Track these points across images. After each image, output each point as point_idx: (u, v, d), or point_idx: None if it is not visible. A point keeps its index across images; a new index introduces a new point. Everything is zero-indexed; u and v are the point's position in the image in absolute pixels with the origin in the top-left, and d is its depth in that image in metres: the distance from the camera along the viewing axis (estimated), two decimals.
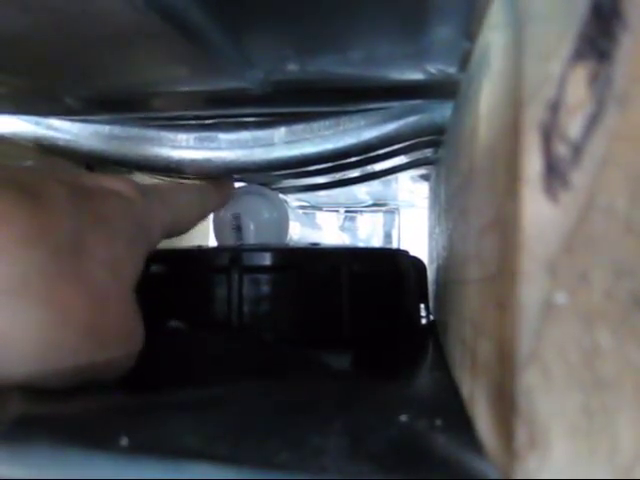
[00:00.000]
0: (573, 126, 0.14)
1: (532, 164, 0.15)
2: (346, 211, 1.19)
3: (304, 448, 0.21)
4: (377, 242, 1.25)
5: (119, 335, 0.29)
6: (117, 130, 0.44)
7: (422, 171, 0.65)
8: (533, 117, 0.15)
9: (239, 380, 0.30)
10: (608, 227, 0.14)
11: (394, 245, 1.25)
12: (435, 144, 0.45)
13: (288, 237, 0.51)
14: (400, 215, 1.24)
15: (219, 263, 0.38)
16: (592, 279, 0.14)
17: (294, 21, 0.27)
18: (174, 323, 0.36)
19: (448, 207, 0.35)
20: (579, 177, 0.14)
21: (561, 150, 0.14)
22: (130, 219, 0.30)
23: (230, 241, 0.48)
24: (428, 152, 0.49)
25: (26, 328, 0.24)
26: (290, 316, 0.37)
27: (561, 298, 0.14)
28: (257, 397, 0.27)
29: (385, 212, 1.24)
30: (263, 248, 0.40)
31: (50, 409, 0.25)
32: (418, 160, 0.54)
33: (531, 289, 0.15)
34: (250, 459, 0.19)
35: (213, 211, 0.47)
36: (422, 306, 0.46)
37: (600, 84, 0.14)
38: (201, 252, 0.41)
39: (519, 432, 0.15)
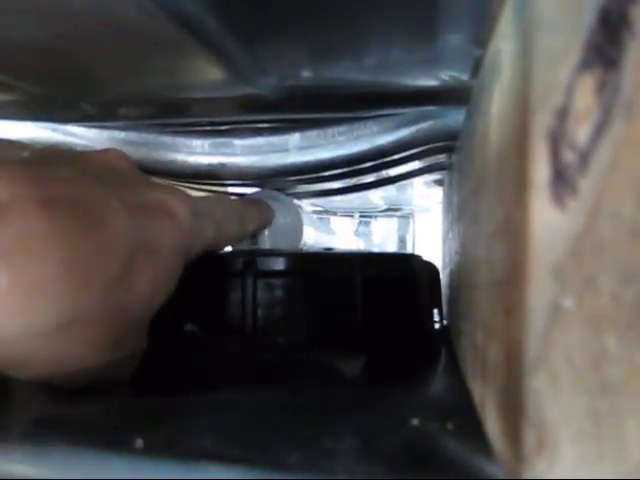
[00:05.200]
0: (580, 133, 0.15)
1: (540, 171, 0.15)
2: (360, 216, 1.20)
3: (315, 449, 0.21)
4: (391, 247, 1.25)
5: (133, 344, 0.29)
6: (133, 136, 0.44)
7: (436, 176, 0.65)
8: (541, 124, 0.15)
9: (252, 383, 0.31)
10: (614, 233, 0.15)
11: (408, 250, 1.25)
12: (449, 150, 0.45)
13: (302, 242, 0.52)
14: (415, 220, 1.24)
15: (234, 268, 0.38)
16: (599, 284, 0.15)
17: (308, 29, 0.27)
18: (189, 327, 0.37)
19: (460, 212, 0.35)
20: (586, 184, 0.15)
21: (569, 157, 0.15)
22: (177, 242, 0.29)
23: (245, 246, 0.49)
24: (442, 157, 0.49)
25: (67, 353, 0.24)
26: (304, 320, 0.38)
27: (568, 302, 0.15)
28: (270, 400, 0.27)
29: (399, 217, 1.24)
30: (277, 253, 0.41)
31: (66, 410, 0.25)
32: (432, 165, 0.55)
33: (539, 294, 0.15)
34: (261, 460, 0.20)
35: (251, 234, 0.46)
36: (435, 311, 0.46)
37: (607, 92, 0.15)
38: (216, 256, 0.41)
39: (527, 436, 0.15)
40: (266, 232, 0.48)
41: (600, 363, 0.15)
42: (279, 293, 0.37)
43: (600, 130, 0.15)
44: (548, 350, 0.15)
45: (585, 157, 0.15)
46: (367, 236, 1.26)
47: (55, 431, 0.21)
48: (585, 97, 0.15)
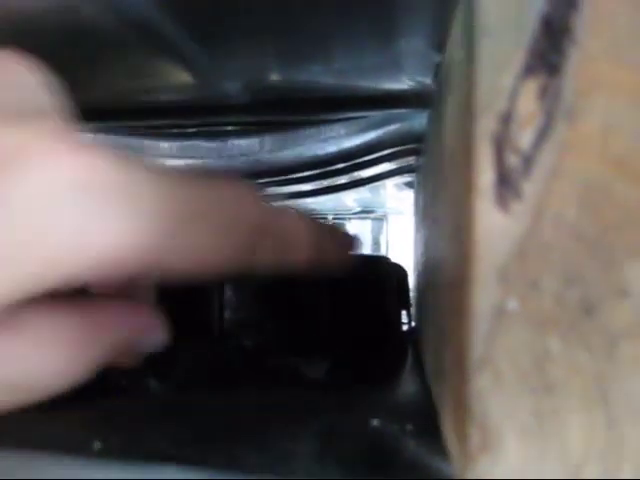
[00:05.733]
0: (524, 137, 0.15)
1: (485, 174, 0.15)
2: (334, 218, 1.20)
3: (274, 452, 0.21)
4: (365, 249, 1.25)
5: None
6: (100, 138, 0.44)
7: (407, 179, 0.65)
8: (485, 128, 0.15)
9: (216, 385, 0.31)
10: (558, 235, 0.15)
11: (382, 252, 1.26)
12: (417, 152, 0.45)
13: None
14: (388, 222, 1.24)
15: None
16: (543, 286, 0.15)
17: (271, 33, 0.27)
18: None
19: (425, 214, 0.35)
20: (530, 187, 0.15)
21: (512, 161, 0.15)
22: None
23: None
24: (411, 160, 0.50)
25: None
26: (270, 323, 0.38)
27: (512, 304, 0.15)
28: (232, 402, 0.27)
29: (373, 219, 1.25)
30: None
31: (21, 416, 0.25)
32: (402, 168, 0.55)
33: (483, 295, 0.15)
34: (219, 462, 0.20)
35: None
36: (404, 313, 0.46)
37: (550, 97, 0.15)
38: None
39: (472, 434, 0.15)
40: None
41: (543, 363, 0.15)
42: (245, 296, 0.37)
43: (543, 134, 0.15)
44: (493, 351, 0.15)
45: (528, 161, 0.15)
46: None
47: (8, 435, 0.21)
48: (528, 102, 0.15)
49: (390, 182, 0.70)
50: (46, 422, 0.24)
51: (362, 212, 1.13)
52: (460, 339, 0.16)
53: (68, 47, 0.27)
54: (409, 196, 0.82)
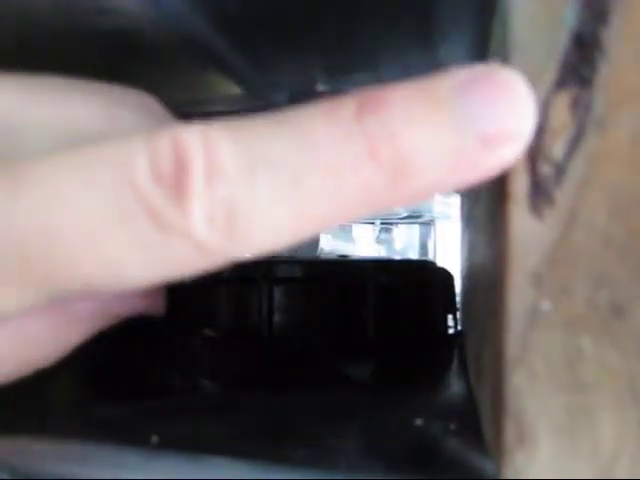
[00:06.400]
0: (556, 148, 0.16)
1: (519, 183, 0.16)
2: (382, 223, 1.20)
3: (320, 448, 0.22)
4: (413, 254, 1.26)
5: None
6: None
7: None
8: None
9: (266, 386, 0.32)
10: (589, 241, 0.16)
11: (430, 257, 1.26)
12: None
13: (319, 249, 0.53)
14: (436, 227, 1.24)
15: (250, 273, 0.39)
16: (574, 289, 0.16)
17: (316, 44, 0.28)
18: (207, 331, 0.38)
19: (468, 220, 0.36)
20: (562, 195, 0.16)
21: (545, 170, 0.16)
22: None
23: None
24: None
25: None
26: (318, 326, 0.39)
27: (546, 306, 0.16)
28: (282, 401, 0.28)
29: (421, 224, 1.25)
30: (292, 260, 0.42)
31: (83, 410, 0.26)
32: None
33: (518, 298, 0.16)
34: (268, 456, 0.21)
35: None
36: (450, 316, 0.47)
37: (581, 109, 0.16)
38: (233, 263, 0.43)
39: (508, 430, 0.16)
40: None
41: (575, 363, 0.16)
42: (294, 299, 0.38)
43: (574, 145, 0.16)
44: (527, 350, 0.16)
45: (561, 170, 0.16)
46: (389, 243, 1.26)
47: (73, 428, 0.22)
48: (560, 114, 0.16)
49: None
50: (105, 415, 0.25)
51: (410, 217, 1.14)
52: (497, 339, 0.17)
53: (118, 59, 0.28)
54: (456, 201, 0.82)
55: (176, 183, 0.14)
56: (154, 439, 0.22)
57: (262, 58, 0.29)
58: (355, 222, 1.11)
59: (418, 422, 0.25)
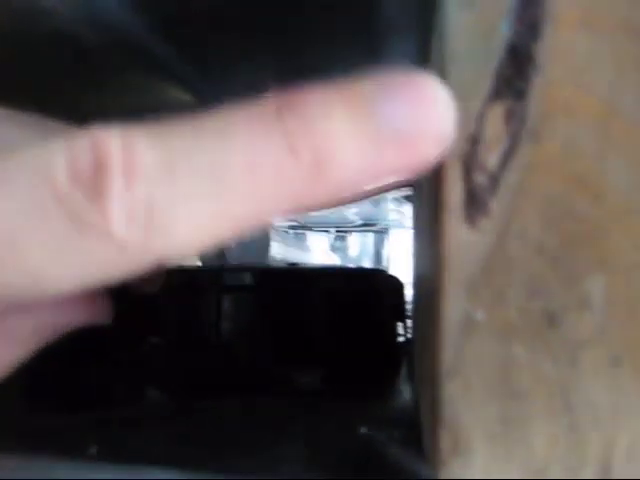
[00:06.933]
0: (491, 158, 0.16)
1: (454, 193, 0.16)
2: (337, 231, 1.21)
3: (263, 457, 0.22)
4: (367, 262, 1.26)
5: None
6: None
7: (407, 192, 0.66)
8: (455, 150, 0.16)
9: (211, 395, 0.31)
10: (522, 250, 0.16)
11: (384, 265, 1.26)
12: None
13: (270, 257, 0.53)
14: (389, 235, 1.25)
15: (199, 281, 0.39)
16: (508, 297, 0.16)
17: (265, 54, 0.28)
18: (154, 339, 0.37)
19: (416, 228, 0.36)
20: (496, 204, 0.16)
21: (480, 180, 0.16)
22: None
23: (212, 260, 0.50)
24: None
25: None
26: (265, 334, 0.39)
27: (480, 315, 0.16)
28: (226, 410, 0.28)
29: (375, 232, 1.26)
30: (241, 268, 0.42)
31: (24, 421, 0.26)
32: (401, 181, 0.56)
33: (453, 307, 0.16)
34: (209, 466, 0.21)
35: None
36: (400, 324, 0.47)
37: (515, 120, 0.16)
38: (182, 271, 0.42)
39: (444, 438, 0.16)
40: (233, 246, 0.49)
41: (509, 371, 0.16)
42: (242, 307, 0.38)
43: (508, 155, 0.16)
44: (462, 358, 0.16)
45: (495, 180, 0.16)
46: (343, 251, 1.27)
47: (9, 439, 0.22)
48: (495, 125, 0.16)
49: (390, 196, 0.71)
50: (46, 427, 0.25)
51: (364, 225, 1.14)
52: (434, 348, 0.17)
53: (64, 65, 0.28)
54: (409, 209, 0.83)
55: (95, 183, 0.14)
56: (92, 450, 0.22)
57: (211, 65, 0.28)
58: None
59: (363, 430, 0.25)
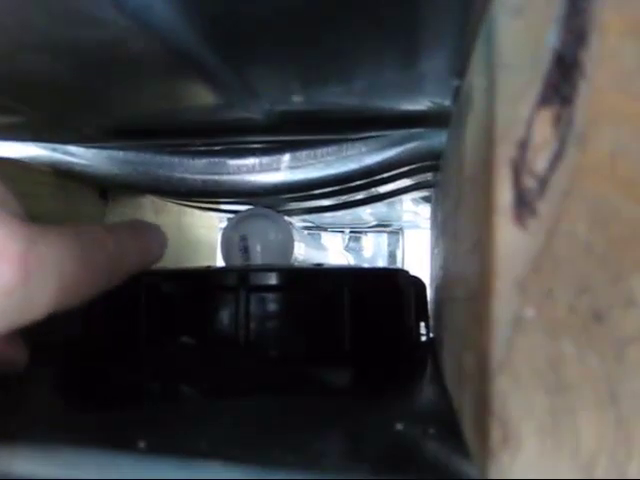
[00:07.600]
0: (539, 162, 0.16)
1: (503, 196, 0.17)
2: (351, 232, 1.21)
3: (307, 452, 0.23)
4: (381, 262, 1.27)
5: None
6: (131, 155, 0.46)
7: (424, 193, 0.67)
8: (504, 154, 0.17)
9: (247, 393, 0.32)
10: (570, 250, 0.16)
11: (398, 265, 1.27)
12: (434, 168, 0.46)
13: (293, 257, 0.53)
14: (404, 236, 1.26)
15: (227, 283, 0.39)
16: (557, 296, 0.16)
17: (298, 56, 0.29)
18: (185, 339, 0.38)
19: (443, 229, 0.37)
20: (545, 206, 0.16)
21: (529, 183, 0.16)
22: None
23: (237, 262, 0.50)
24: (429, 176, 0.51)
25: None
26: (294, 334, 0.39)
27: (529, 313, 0.16)
28: (265, 407, 0.29)
29: (389, 233, 1.26)
30: (269, 268, 0.42)
31: (73, 416, 0.27)
32: (420, 183, 0.56)
33: (503, 305, 0.17)
34: (258, 460, 0.21)
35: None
36: (422, 324, 0.48)
37: (563, 125, 0.16)
38: (210, 272, 0.43)
39: (494, 431, 0.17)
40: (258, 248, 0.49)
41: (557, 366, 0.16)
42: (271, 307, 0.39)
43: (556, 159, 0.16)
44: (512, 354, 0.17)
45: (543, 183, 0.16)
46: (357, 251, 1.27)
47: (63, 432, 0.23)
48: (543, 130, 0.17)
49: (407, 197, 0.72)
50: (88, 423, 0.25)
51: (379, 225, 1.15)
52: (481, 345, 0.18)
53: (102, 70, 0.28)
54: (425, 210, 0.83)
55: None
56: (141, 444, 0.23)
57: (242, 69, 0.29)
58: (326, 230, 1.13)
59: (398, 427, 0.25)
